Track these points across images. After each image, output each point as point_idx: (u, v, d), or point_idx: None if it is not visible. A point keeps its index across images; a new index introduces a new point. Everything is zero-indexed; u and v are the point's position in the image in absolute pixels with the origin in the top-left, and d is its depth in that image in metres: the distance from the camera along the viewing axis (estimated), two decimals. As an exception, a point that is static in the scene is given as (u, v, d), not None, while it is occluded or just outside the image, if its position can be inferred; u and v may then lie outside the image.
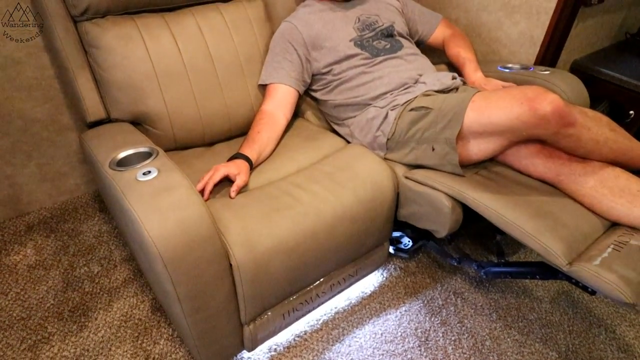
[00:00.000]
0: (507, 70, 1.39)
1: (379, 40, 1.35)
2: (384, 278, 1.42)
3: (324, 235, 1.05)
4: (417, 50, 1.42)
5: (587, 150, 1.05)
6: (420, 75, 1.31)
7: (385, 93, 1.28)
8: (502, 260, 1.25)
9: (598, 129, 1.03)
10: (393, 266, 1.46)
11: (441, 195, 1.10)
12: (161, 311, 1.27)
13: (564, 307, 1.34)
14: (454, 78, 1.30)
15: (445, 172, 1.15)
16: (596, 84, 1.68)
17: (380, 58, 1.32)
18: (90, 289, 1.33)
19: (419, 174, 1.18)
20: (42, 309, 1.26)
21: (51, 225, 1.54)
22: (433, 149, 1.13)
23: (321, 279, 1.17)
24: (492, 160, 1.21)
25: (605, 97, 1.73)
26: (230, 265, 0.94)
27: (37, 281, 1.34)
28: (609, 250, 0.94)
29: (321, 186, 1.11)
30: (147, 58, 1.19)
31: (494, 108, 1.00)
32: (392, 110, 1.24)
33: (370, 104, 1.29)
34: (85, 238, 1.50)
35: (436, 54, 1.53)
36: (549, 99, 0.93)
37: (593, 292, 1.00)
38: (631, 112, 1.60)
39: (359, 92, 1.30)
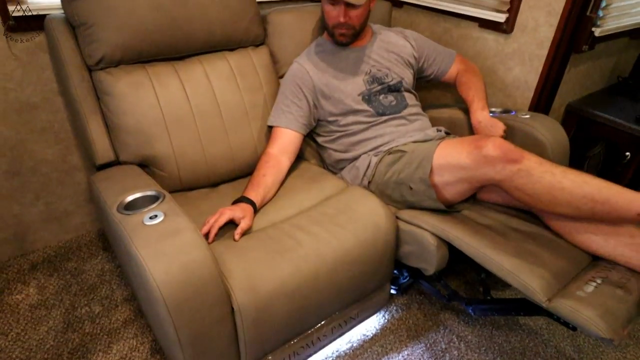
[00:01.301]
0: (490, 114, 1.43)
1: (386, 95, 1.39)
2: (386, 320, 1.41)
3: (325, 277, 1.06)
4: (420, 109, 1.47)
5: (547, 193, 1.00)
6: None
7: (379, 146, 1.35)
8: (488, 298, 1.29)
9: (554, 168, 1.00)
10: (395, 307, 1.45)
11: (426, 233, 1.15)
12: (161, 353, 1.26)
13: (570, 352, 1.32)
14: (438, 130, 1.38)
15: (430, 210, 1.20)
16: (591, 126, 1.72)
17: (385, 118, 1.36)
18: (91, 330, 1.33)
19: (406, 213, 1.23)
20: (41, 350, 1.26)
21: (55, 264, 1.56)
22: (411, 188, 1.20)
23: (322, 322, 1.17)
24: (476, 200, 1.29)
25: (601, 139, 1.77)
26: (232, 309, 0.94)
27: (38, 321, 1.34)
28: (588, 286, 0.98)
29: (322, 228, 1.13)
30: (157, 104, 1.24)
31: (453, 150, 1.11)
32: (375, 156, 1.32)
33: (362, 154, 1.37)
34: (87, 277, 1.51)
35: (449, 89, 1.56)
36: (493, 140, 1.03)
37: (574, 328, 1.02)
38: (627, 153, 1.63)
39: (359, 146, 1.38)
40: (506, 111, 1.46)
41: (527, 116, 1.39)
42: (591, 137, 1.78)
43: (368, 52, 1.42)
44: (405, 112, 1.39)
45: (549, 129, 1.33)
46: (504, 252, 1.04)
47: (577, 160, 1.87)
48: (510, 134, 1.37)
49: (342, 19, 1.28)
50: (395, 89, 1.41)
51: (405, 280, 1.45)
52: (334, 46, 1.41)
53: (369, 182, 1.32)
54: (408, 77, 1.45)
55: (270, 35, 1.51)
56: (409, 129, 1.37)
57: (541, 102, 1.55)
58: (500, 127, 1.34)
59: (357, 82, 1.37)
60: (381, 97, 1.38)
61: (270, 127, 1.39)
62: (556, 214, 1.05)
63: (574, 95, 1.77)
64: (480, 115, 1.39)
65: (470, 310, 1.30)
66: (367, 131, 1.36)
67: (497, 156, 1.01)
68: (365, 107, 1.36)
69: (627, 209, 0.94)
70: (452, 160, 1.10)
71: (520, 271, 0.99)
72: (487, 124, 1.37)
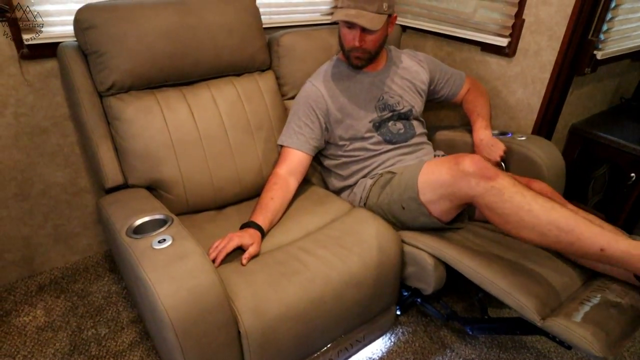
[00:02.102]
0: None
1: (395, 123, 1.41)
2: (392, 343, 1.40)
3: (331, 300, 1.07)
4: (425, 137, 1.49)
5: (515, 214, 1.00)
6: None
7: (376, 169, 1.38)
8: (485, 317, 1.31)
9: (525, 190, 1.01)
10: (401, 330, 1.44)
11: (424, 254, 1.18)
12: (167, 377, 1.26)
13: (578, 376, 1.30)
14: (436, 156, 1.41)
15: (429, 230, 1.23)
16: (596, 147, 1.73)
17: (391, 146, 1.39)
18: (97, 352, 1.32)
19: (405, 234, 1.24)
20: (48, 374, 1.26)
21: (62, 286, 1.56)
22: (403, 208, 1.22)
23: (328, 345, 1.17)
24: (473, 218, 1.32)
25: (605, 160, 1.78)
26: (239, 332, 0.95)
27: (45, 344, 1.35)
28: (583, 305, 0.98)
29: (328, 251, 1.13)
30: (165, 129, 1.26)
31: (435, 168, 1.15)
32: (370, 179, 1.36)
33: (360, 179, 1.41)
34: (94, 299, 1.52)
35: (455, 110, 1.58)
36: (471, 156, 1.07)
37: (569, 347, 1.03)
38: (632, 174, 1.64)
39: (360, 173, 1.40)
40: (503, 133, 1.49)
41: (524, 138, 1.42)
42: (596, 158, 1.78)
43: (382, 77, 1.42)
44: (412, 141, 1.41)
45: (544, 151, 1.37)
46: (499, 272, 1.06)
47: (582, 181, 1.87)
48: (507, 156, 1.40)
49: (357, 43, 1.28)
50: (404, 117, 1.43)
51: (407, 298, 1.44)
52: (349, 68, 1.41)
53: (364, 205, 1.35)
54: (418, 105, 1.46)
55: (281, 57, 1.52)
56: (412, 157, 1.39)
57: (545, 124, 1.57)
58: (500, 147, 1.38)
59: (369, 108, 1.38)
60: (390, 124, 1.40)
61: (278, 146, 1.41)
62: (522, 239, 1.04)
63: (577, 116, 1.78)
64: (483, 133, 1.42)
65: (468, 330, 1.32)
66: (372, 158, 1.39)
67: (473, 172, 1.04)
68: (374, 134, 1.38)
69: (591, 243, 0.93)
70: (434, 177, 1.14)
71: (515, 290, 1.01)
72: (489, 143, 1.40)
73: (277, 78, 1.55)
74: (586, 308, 0.97)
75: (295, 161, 1.34)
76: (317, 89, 1.38)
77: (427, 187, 1.15)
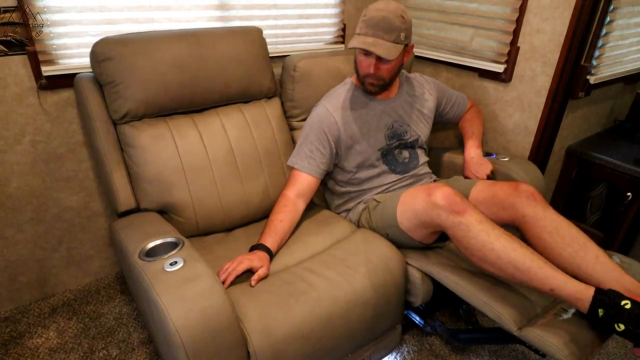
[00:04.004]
0: None
1: (401, 151, 1.46)
2: (397, 362, 1.42)
3: (338, 320, 1.10)
4: (427, 165, 1.53)
5: (479, 250, 1.08)
6: None
7: (369, 194, 1.45)
8: (469, 327, 1.40)
9: (491, 229, 1.07)
10: (406, 349, 1.46)
11: (412, 269, 1.27)
12: (177, 397, 1.28)
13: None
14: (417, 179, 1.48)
15: (415, 247, 1.30)
16: (592, 168, 1.77)
17: (395, 177, 1.44)
18: (108, 374, 1.35)
19: None
20: (60, 395, 1.28)
21: (74, 307, 1.60)
22: (387, 234, 1.31)
23: (335, 364, 1.19)
24: None
25: (602, 180, 1.82)
26: (248, 352, 0.98)
27: (57, 365, 1.38)
28: (557, 315, 1.07)
29: (334, 271, 1.17)
30: (176, 154, 1.32)
31: (411, 199, 1.22)
32: (364, 203, 1.43)
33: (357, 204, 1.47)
34: (105, 320, 1.55)
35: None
36: (442, 189, 1.13)
37: (544, 355, 1.12)
38: (628, 194, 1.68)
39: (361, 197, 1.46)
40: (488, 154, 1.56)
41: (507, 159, 1.51)
42: (592, 178, 1.83)
43: (394, 105, 1.45)
44: (414, 171, 1.46)
45: (525, 171, 1.46)
46: (480, 285, 1.14)
47: (580, 200, 1.91)
48: (493, 175, 1.48)
49: (372, 70, 1.30)
50: (410, 146, 1.48)
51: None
52: (363, 94, 1.43)
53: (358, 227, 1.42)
54: (425, 134, 1.51)
55: (296, 82, 1.56)
56: (413, 186, 1.43)
57: (542, 146, 1.62)
58: (488, 167, 1.46)
59: (379, 137, 1.42)
60: (396, 151, 1.45)
61: (288, 166, 1.44)
62: (483, 270, 1.13)
63: (573, 138, 1.84)
64: (474, 152, 1.50)
65: (454, 340, 1.40)
66: (377, 188, 1.44)
67: (443, 205, 1.10)
68: (380, 162, 1.43)
69: (543, 283, 1.02)
70: (409, 207, 1.21)
71: (494, 302, 1.09)
72: (478, 162, 1.48)
73: (290, 101, 1.59)
74: (560, 319, 1.06)
75: (304, 184, 1.37)
76: (331, 114, 1.39)
77: (404, 217, 1.23)
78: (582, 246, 1.08)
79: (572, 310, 1.08)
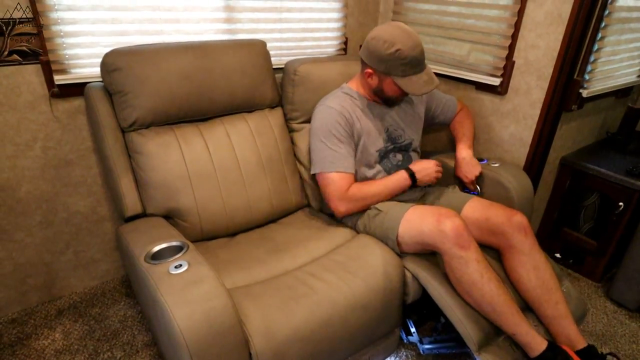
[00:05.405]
0: None
1: (395, 154, 1.51)
2: (395, 366, 1.45)
3: (338, 323, 1.14)
4: None
5: (467, 285, 1.18)
6: None
7: None
8: (437, 338, 1.48)
9: (485, 271, 1.16)
10: (405, 353, 1.50)
11: (405, 269, 1.32)
12: (179, 398, 1.31)
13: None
14: (420, 190, 1.52)
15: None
16: (585, 178, 1.82)
17: None
18: (112, 374, 1.39)
19: None
20: (66, 394, 1.32)
21: (80, 310, 1.64)
22: (386, 244, 1.35)
23: (334, 367, 1.23)
24: None
25: (594, 190, 1.87)
26: (250, 354, 1.01)
27: (63, 366, 1.41)
28: (511, 345, 1.20)
29: (334, 275, 1.21)
30: (182, 161, 1.37)
31: (417, 218, 1.26)
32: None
33: None
34: (110, 323, 1.59)
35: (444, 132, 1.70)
36: (453, 220, 1.17)
37: None
38: (620, 203, 1.72)
39: None
40: (480, 159, 1.61)
41: (497, 165, 1.56)
42: (585, 188, 1.87)
43: (389, 110, 1.49)
44: None
45: (514, 176, 1.51)
46: (460, 302, 1.21)
47: (573, 209, 1.95)
48: (481, 180, 1.54)
49: (402, 95, 1.39)
50: (404, 149, 1.53)
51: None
52: (360, 98, 1.45)
53: (359, 232, 1.45)
54: (417, 139, 1.56)
55: (296, 85, 1.59)
56: (407, 192, 1.47)
57: (536, 157, 1.67)
58: (478, 169, 1.51)
59: (378, 139, 1.46)
60: (391, 155, 1.50)
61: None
62: (462, 298, 1.22)
63: (567, 149, 1.89)
64: (466, 153, 1.55)
65: (419, 347, 1.49)
66: None
67: (451, 237, 1.16)
68: (377, 164, 1.47)
69: (509, 326, 1.17)
70: (415, 226, 1.26)
71: (468, 321, 1.19)
72: (470, 163, 1.53)
73: (290, 104, 1.63)
74: (512, 350, 1.19)
75: (344, 185, 1.38)
76: (337, 110, 1.39)
77: (407, 233, 1.28)
78: (548, 291, 1.23)
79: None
